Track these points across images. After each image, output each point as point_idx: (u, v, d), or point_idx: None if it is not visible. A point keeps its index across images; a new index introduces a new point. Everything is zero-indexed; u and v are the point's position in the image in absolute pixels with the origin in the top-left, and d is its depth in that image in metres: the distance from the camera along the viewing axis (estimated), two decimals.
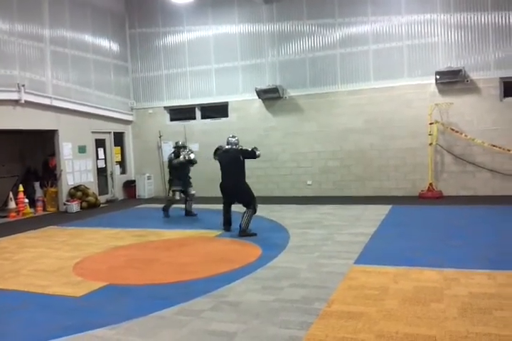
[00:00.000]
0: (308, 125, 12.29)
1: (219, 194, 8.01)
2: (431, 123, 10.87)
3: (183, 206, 9.85)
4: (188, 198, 9.84)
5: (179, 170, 9.66)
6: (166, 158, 10.13)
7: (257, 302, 4.27)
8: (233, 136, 8.05)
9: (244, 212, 7.52)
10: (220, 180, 7.92)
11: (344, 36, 11.85)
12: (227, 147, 7.94)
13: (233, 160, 7.76)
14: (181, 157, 9.67)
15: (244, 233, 7.35)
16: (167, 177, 13.62)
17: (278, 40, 12.54)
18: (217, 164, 8.16)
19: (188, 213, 9.84)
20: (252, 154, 7.83)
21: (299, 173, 12.45)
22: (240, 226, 7.43)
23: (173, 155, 9.89)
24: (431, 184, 10.90)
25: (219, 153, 8.08)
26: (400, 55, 11.36)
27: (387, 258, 5.56)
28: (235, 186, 7.69)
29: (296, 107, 12.42)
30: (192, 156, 9.73)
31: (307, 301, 4.22)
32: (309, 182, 12.33)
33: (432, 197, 10.61)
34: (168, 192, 10.13)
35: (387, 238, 6.77)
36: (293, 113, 12.45)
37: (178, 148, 9.98)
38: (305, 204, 10.55)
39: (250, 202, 7.58)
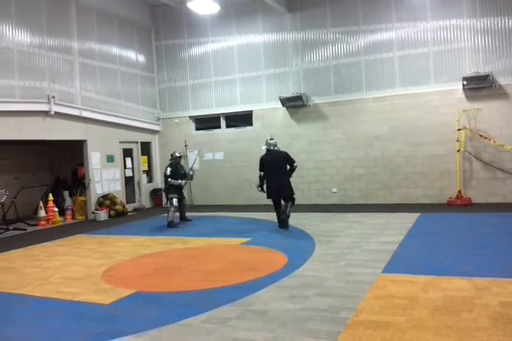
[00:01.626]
0: (333, 132, 12.25)
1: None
2: (459, 130, 10.70)
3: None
4: (183, 203, 10.13)
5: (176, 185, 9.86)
6: (168, 172, 9.82)
7: (283, 311, 4.25)
8: (272, 138, 8.74)
9: (286, 206, 8.43)
10: (267, 182, 8.52)
11: (369, 43, 11.81)
12: (271, 148, 8.60)
13: (281, 161, 8.51)
14: (182, 182, 9.86)
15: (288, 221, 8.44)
16: (193, 186, 13.87)
17: (302, 49, 12.59)
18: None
19: (184, 218, 10.19)
20: (292, 163, 8.57)
21: (324, 181, 12.40)
22: (287, 216, 8.42)
23: (169, 169, 9.81)
24: (459, 191, 10.69)
25: (265, 158, 8.63)
26: (426, 61, 11.24)
27: (415, 267, 5.46)
28: (282, 184, 8.43)
29: (320, 115, 12.40)
30: (191, 175, 10.20)
31: (334, 310, 4.18)
32: (334, 190, 12.26)
33: (460, 205, 10.41)
34: (167, 201, 10.16)
35: (415, 246, 6.66)
36: (317, 120, 12.43)
37: (176, 159, 9.98)
38: (330, 213, 10.47)
39: (292, 197, 8.54)
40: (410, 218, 9.02)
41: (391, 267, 5.55)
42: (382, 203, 11.55)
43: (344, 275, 5.32)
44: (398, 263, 5.76)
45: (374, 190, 11.82)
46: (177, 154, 10.10)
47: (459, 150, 10.75)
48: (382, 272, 5.35)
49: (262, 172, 8.61)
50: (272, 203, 8.68)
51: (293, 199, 8.58)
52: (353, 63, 12.01)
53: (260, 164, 8.68)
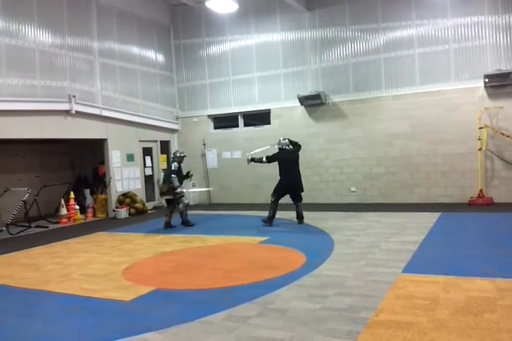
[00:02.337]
0: (351, 131, 12.17)
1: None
2: (480, 128, 10.53)
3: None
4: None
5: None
6: (173, 167, 9.44)
7: (303, 310, 4.25)
8: (284, 139, 9.30)
9: (298, 205, 9.10)
10: (282, 179, 9.03)
11: (388, 40, 11.70)
12: (284, 148, 9.15)
13: (296, 160, 9.14)
14: (184, 190, 9.71)
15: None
16: (210, 184, 13.94)
17: (320, 47, 12.53)
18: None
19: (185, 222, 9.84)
20: (299, 146, 9.37)
21: (342, 180, 12.33)
22: (302, 216, 9.12)
23: (175, 165, 9.41)
24: (481, 190, 10.53)
25: (282, 155, 9.11)
26: (447, 59, 11.09)
27: (436, 267, 5.40)
28: (298, 182, 9.07)
29: (339, 113, 12.33)
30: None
31: (354, 310, 4.16)
32: (353, 189, 12.18)
33: (482, 204, 10.25)
34: (177, 201, 9.58)
35: (436, 246, 6.59)
36: (336, 119, 12.36)
37: (180, 158, 9.61)
38: (349, 212, 10.41)
39: (301, 194, 9.15)
40: (431, 218, 8.92)
41: (411, 267, 5.50)
42: (402, 202, 11.43)
43: (364, 274, 5.29)
44: (419, 263, 5.70)
45: (393, 189, 11.71)
46: (181, 154, 9.73)
47: (480, 149, 10.58)
48: (402, 272, 5.30)
49: (265, 160, 9.23)
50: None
51: (300, 196, 9.20)
52: (373, 61, 11.90)
53: (273, 157, 9.20)
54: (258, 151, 9.84)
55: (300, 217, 9.19)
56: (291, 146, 9.25)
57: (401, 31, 11.55)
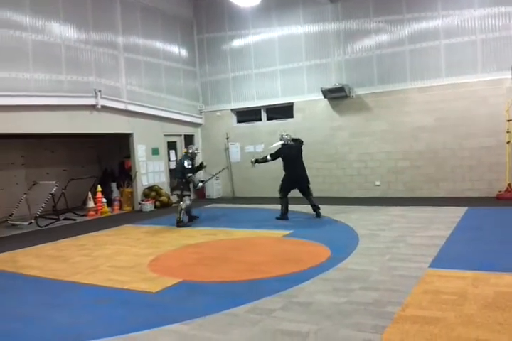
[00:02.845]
0: (376, 124, 12.03)
1: (290, 194, 8.24)
2: (508, 121, 10.27)
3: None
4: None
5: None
6: (187, 164, 9.17)
7: (328, 304, 4.25)
8: (287, 134, 9.45)
9: (310, 198, 9.13)
10: (288, 173, 9.16)
11: (413, 32, 11.48)
12: (287, 143, 9.26)
13: (299, 154, 9.24)
14: (200, 185, 9.62)
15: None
16: (234, 177, 14.00)
17: (344, 39, 12.38)
18: (281, 164, 9.21)
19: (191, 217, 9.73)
20: (301, 141, 9.46)
21: (366, 174, 12.22)
22: (318, 207, 9.15)
23: (188, 162, 9.16)
24: (509, 184, 10.30)
25: (283, 150, 9.23)
26: (474, 50, 10.82)
27: (464, 262, 5.33)
28: (302, 175, 9.14)
29: (363, 106, 12.20)
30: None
31: (380, 304, 4.14)
32: (377, 183, 12.06)
33: (510, 198, 10.01)
34: (182, 197, 9.35)
35: (463, 241, 6.48)
36: (360, 112, 12.23)
37: (193, 155, 9.46)
38: (373, 206, 10.32)
39: (308, 186, 9.20)
40: (458, 212, 8.78)
41: (438, 262, 5.43)
42: (428, 197, 11.27)
43: (389, 269, 5.25)
44: (446, 257, 5.63)
45: (419, 183, 11.55)
46: (195, 150, 9.56)
47: (508, 142, 10.33)
48: (429, 267, 5.24)
49: (269, 158, 9.39)
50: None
51: (309, 188, 9.23)
52: (397, 53, 11.71)
53: (277, 153, 9.32)
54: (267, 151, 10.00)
55: (316, 209, 9.17)
56: (290, 142, 9.33)
57: (426, 22, 11.32)
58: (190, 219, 9.53)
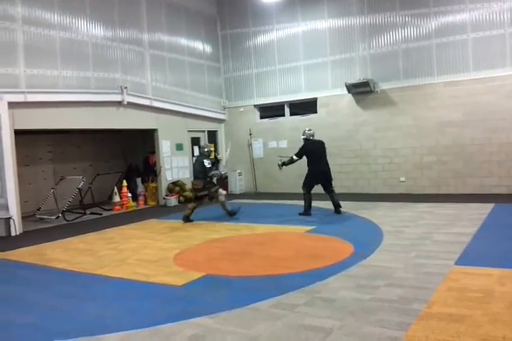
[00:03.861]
0: (401, 119, 11.88)
1: (313, 190, 8.21)
2: None
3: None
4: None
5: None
6: (207, 164, 9.13)
7: (351, 300, 4.24)
8: (310, 129, 9.52)
9: (332, 195, 9.12)
10: (312, 168, 9.13)
11: (440, 25, 11.27)
12: (310, 138, 9.34)
13: (324, 149, 9.28)
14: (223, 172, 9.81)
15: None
16: (257, 173, 14.02)
17: (369, 33, 12.24)
18: (304, 160, 9.22)
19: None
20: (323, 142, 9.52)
21: (391, 170, 12.08)
22: (340, 205, 9.13)
23: (208, 161, 9.13)
24: None
25: (309, 145, 9.27)
26: (502, 44, 10.56)
27: (490, 260, 5.24)
28: (328, 169, 9.19)
29: (388, 101, 12.05)
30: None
31: (405, 301, 4.11)
32: (403, 179, 11.92)
33: None
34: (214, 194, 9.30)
35: (490, 238, 6.37)
36: (385, 107, 12.09)
37: (209, 153, 9.48)
38: (398, 202, 10.21)
39: (331, 183, 9.22)
40: (484, 209, 8.62)
41: (464, 259, 5.36)
42: (454, 193, 11.09)
43: (415, 266, 5.20)
44: (472, 255, 5.54)
45: (445, 179, 11.37)
46: (209, 149, 9.56)
47: None
48: (455, 264, 5.18)
49: (295, 157, 9.29)
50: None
51: (331, 185, 9.25)
52: (424, 47, 11.51)
53: (302, 150, 9.28)
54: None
55: (337, 206, 9.17)
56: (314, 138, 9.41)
57: (454, 16, 11.09)
58: (228, 214, 9.39)
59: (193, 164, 9.92)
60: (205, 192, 9.27)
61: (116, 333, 3.81)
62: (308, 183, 9.21)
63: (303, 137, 9.43)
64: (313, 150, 9.19)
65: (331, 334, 3.53)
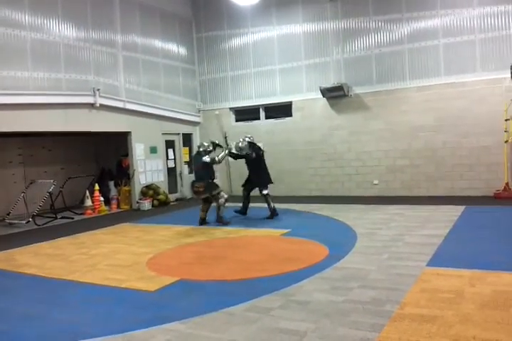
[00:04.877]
0: (374, 123, 12.03)
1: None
2: (506, 120, 10.29)
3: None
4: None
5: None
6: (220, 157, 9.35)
7: (326, 302, 4.25)
8: (250, 136, 10.01)
9: (267, 197, 9.28)
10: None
11: (412, 31, 11.48)
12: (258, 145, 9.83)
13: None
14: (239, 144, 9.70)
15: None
16: (233, 177, 13.99)
17: (343, 38, 12.37)
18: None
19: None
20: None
21: (364, 173, 12.22)
22: (275, 209, 9.27)
23: (207, 156, 9.10)
24: (507, 184, 10.32)
25: (256, 149, 9.62)
26: (472, 49, 10.83)
27: (461, 261, 5.33)
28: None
29: (361, 105, 12.20)
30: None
31: (378, 303, 4.14)
32: (376, 182, 12.06)
33: (508, 198, 10.03)
34: (217, 196, 9.07)
35: (461, 240, 6.49)
36: (359, 111, 12.23)
37: (206, 153, 9.23)
38: (371, 204, 10.33)
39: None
40: (455, 211, 8.79)
41: (436, 260, 5.44)
42: (426, 195, 11.29)
43: (387, 268, 5.26)
44: (443, 256, 5.63)
45: (417, 182, 11.56)
46: (207, 147, 9.36)
47: (506, 142, 10.34)
48: (426, 265, 5.25)
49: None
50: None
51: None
52: (396, 52, 11.71)
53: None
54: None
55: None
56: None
57: (425, 21, 11.33)
58: (217, 220, 9.07)
59: (193, 165, 9.68)
60: (207, 195, 8.97)
61: (88, 340, 3.73)
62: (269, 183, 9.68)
63: (245, 143, 9.63)
64: (256, 157, 9.57)
65: (305, 337, 3.53)
